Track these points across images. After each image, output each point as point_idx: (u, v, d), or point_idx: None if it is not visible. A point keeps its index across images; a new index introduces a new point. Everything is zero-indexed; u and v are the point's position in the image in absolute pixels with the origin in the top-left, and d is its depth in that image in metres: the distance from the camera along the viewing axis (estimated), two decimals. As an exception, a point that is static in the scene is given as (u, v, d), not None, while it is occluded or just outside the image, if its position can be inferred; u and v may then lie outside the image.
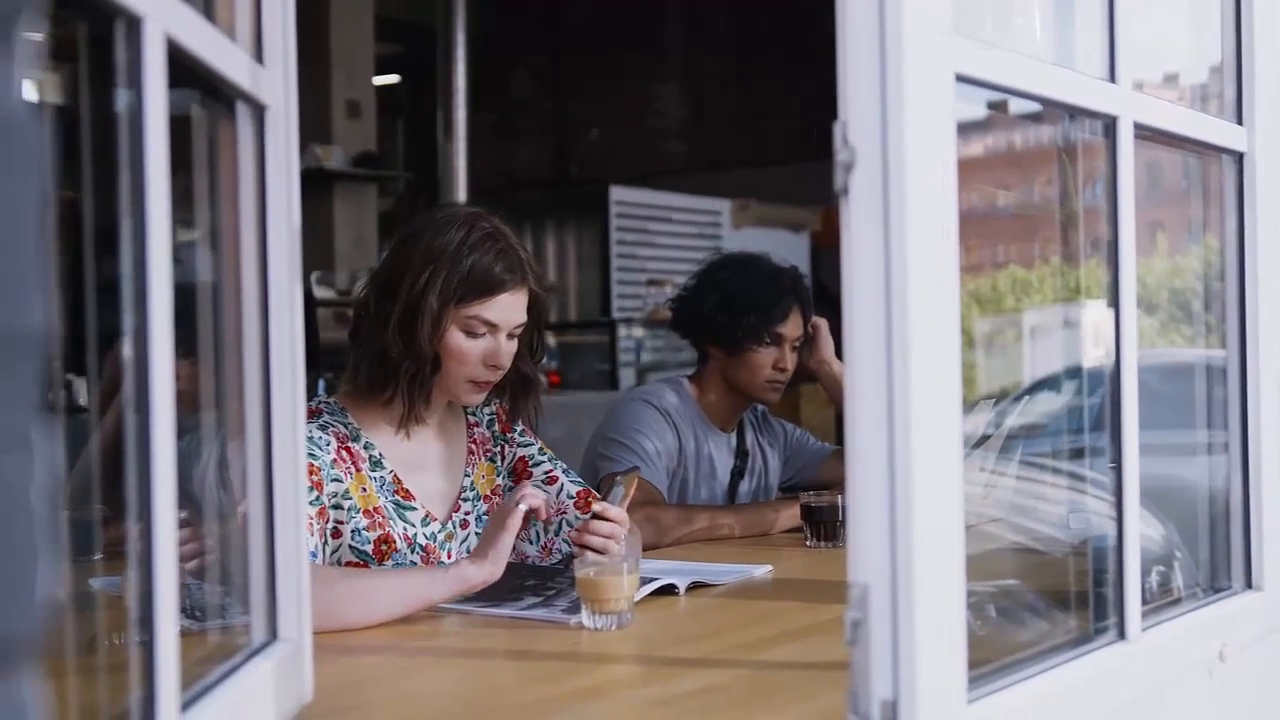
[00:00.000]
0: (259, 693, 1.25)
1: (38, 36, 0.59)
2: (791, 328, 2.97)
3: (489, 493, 2.31)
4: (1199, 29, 1.97)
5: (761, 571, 2.31)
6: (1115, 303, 1.51)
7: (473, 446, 2.32)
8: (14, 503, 0.53)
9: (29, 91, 0.57)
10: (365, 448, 2.17)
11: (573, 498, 2.30)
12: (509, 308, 2.15)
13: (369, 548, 2.11)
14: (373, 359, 2.15)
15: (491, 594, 1.97)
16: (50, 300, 0.58)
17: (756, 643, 1.80)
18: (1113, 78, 1.50)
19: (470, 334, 2.14)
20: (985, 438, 2.22)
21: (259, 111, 1.32)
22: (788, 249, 6.92)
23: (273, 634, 1.34)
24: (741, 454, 3.10)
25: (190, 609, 1.28)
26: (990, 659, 1.32)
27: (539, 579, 2.12)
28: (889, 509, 1.15)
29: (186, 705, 1.07)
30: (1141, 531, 1.54)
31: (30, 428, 0.55)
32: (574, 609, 1.88)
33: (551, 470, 2.34)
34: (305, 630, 1.38)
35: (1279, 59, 1.81)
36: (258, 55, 1.31)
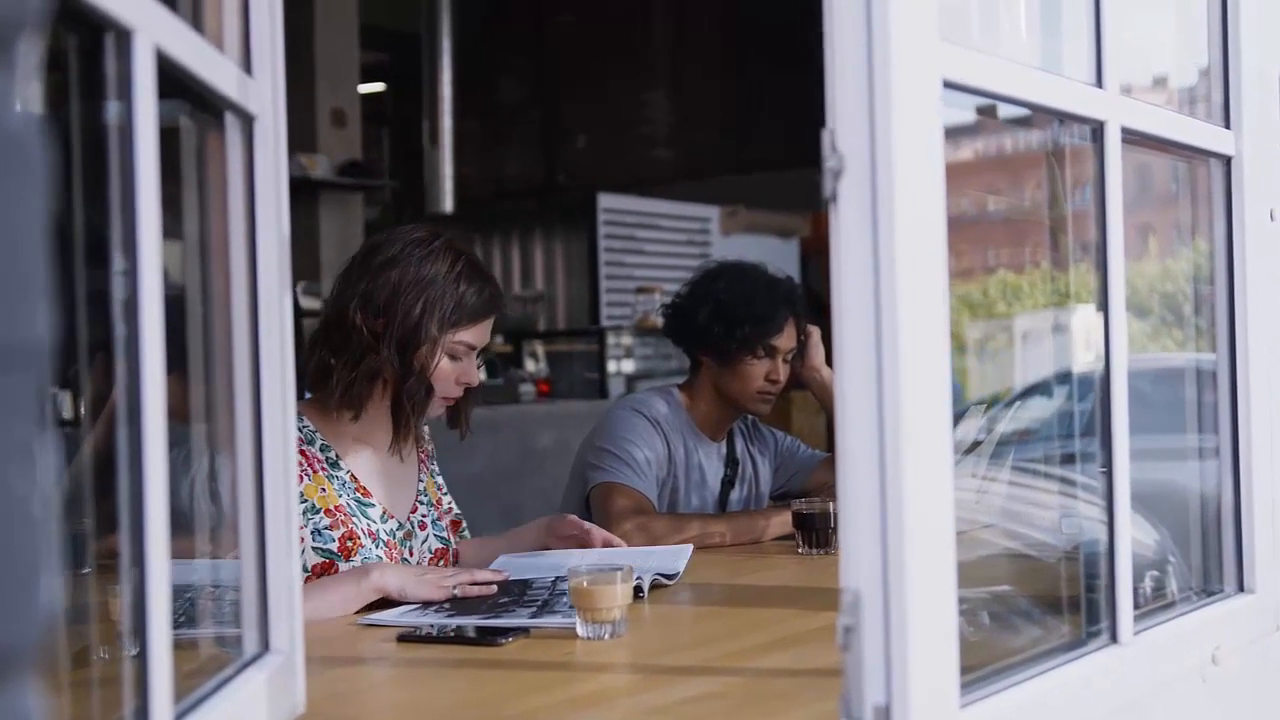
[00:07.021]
0: (252, 704, 1.25)
1: (38, 50, 0.59)
2: (785, 340, 2.95)
3: (435, 501, 2.42)
4: (1185, 32, 1.98)
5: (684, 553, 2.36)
6: (1104, 306, 1.51)
7: (423, 457, 2.44)
8: (17, 513, 0.53)
9: (30, 104, 0.57)
10: (321, 450, 2.24)
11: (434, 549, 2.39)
12: (488, 332, 2.31)
13: (334, 545, 2.18)
14: (364, 378, 2.21)
15: (487, 609, 1.97)
16: (53, 313, 0.58)
17: (750, 650, 1.79)
18: (1100, 83, 1.50)
19: (453, 358, 2.26)
20: (977, 443, 2.22)
21: (247, 122, 1.31)
22: (777, 255, 6.92)
23: (265, 645, 1.34)
24: (732, 463, 3.09)
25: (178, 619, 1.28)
26: (983, 664, 1.32)
27: (520, 590, 2.11)
28: (880, 514, 1.15)
29: (179, 717, 1.07)
30: (1134, 536, 1.54)
31: (32, 438, 0.55)
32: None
33: (453, 506, 2.50)
34: (297, 642, 1.38)
35: (1266, 63, 1.82)
36: (246, 66, 1.31)
